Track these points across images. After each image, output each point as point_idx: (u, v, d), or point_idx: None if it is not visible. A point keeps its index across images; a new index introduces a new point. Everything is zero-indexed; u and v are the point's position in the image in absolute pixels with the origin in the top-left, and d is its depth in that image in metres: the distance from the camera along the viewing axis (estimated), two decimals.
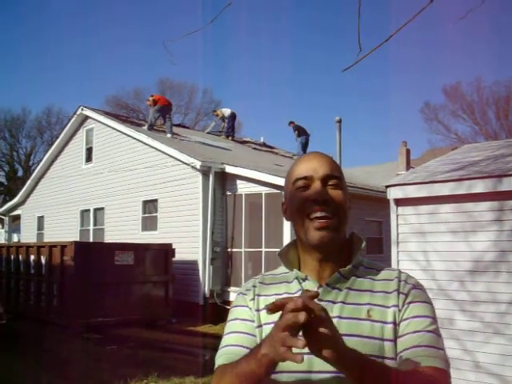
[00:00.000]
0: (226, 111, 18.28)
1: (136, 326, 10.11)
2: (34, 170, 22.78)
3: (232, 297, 11.48)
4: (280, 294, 1.26)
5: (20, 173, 41.58)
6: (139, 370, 6.88)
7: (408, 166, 19.41)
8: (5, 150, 41.59)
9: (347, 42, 56.97)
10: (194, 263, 11.96)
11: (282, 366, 1.17)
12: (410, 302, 1.20)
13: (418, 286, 1.25)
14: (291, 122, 18.25)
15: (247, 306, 1.28)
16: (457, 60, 54.91)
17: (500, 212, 5.22)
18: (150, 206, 13.72)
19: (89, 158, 16.30)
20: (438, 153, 17.80)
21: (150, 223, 13.59)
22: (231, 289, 11.81)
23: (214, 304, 11.61)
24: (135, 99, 39.94)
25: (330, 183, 1.23)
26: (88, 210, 16.05)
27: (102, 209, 15.38)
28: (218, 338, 1.30)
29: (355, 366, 1.01)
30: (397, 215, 5.97)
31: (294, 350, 0.95)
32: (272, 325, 1.23)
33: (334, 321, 1.17)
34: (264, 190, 11.53)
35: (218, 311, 11.12)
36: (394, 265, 5.83)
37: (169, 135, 14.86)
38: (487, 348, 5.15)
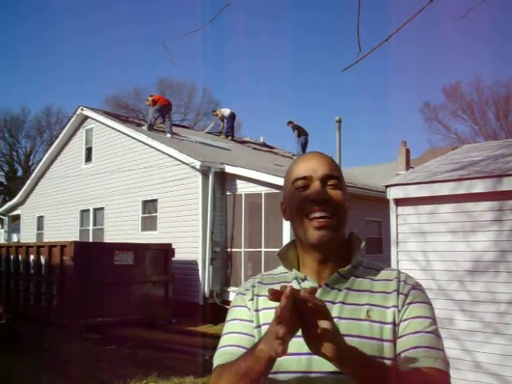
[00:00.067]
0: (226, 111, 18.27)
1: (136, 326, 10.11)
2: (33, 169, 22.79)
3: (232, 297, 11.47)
4: None
5: (20, 173, 41.58)
6: (139, 369, 6.88)
7: (408, 166, 19.42)
8: (4, 150, 41.63)
9: (347, 42, 57.01)
10: (194, 263, 11.96)
11: (281, 366, 1.17)
12: (410, 303, 1.20)
13: (417, 287, 1.24)
14: (290, 122, 18.27)
15: (246, 307, 1.28)
16: (457, 60, 54.96)
17: (500, 212, 5.22)
18: (149, 205, 13.72)
19: (88, 158, 16.30)
20: (438, 153, 17.80)
21: (149, 223, 13.59)
22: (231, 289, 11.81)
23: (214, 304, 11.61)
24: (135, 99, 39.98)
25: (329, 183, 1.23)
26: (88, 210, 16.04)
27: (102, 209, 15.37)
28: (217, 337, 1.30)
29: (355, 363, 1.01)
30: (396, 215, 5.97)
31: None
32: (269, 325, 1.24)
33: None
34: (264, 189, 11.53)
35: (218, 311, 11.11)
36: (393, 265, 5.83)
37: (168, 135, 14.86)
38: (487, 348, 5.15)
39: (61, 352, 8.31)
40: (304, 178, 1.24)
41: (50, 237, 16.96)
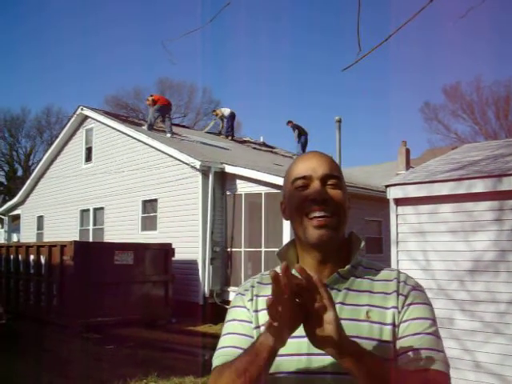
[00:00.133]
0: (226, 111, 18.27)
1: (136, 326, 10.11)
2: (33, 169, 22.78)
3: (232, 296, 11.47)
4: None
5: (20, 172, 41.58)
6: (139, 369, 6.88)
7: (408, 166, 19.40)
8: (4, 150, 41.64)
9: (347, 42, 57.02)
10: (194, 263, 11.96)
11: (281, 366, 1.17)
12: (410, 304, 1.19)
13: (417, 288, 1.24)
14: (289, 122, 18.27)
15: (245, 307, 1.27)
16: (457, 59, 54.95)
17: (500, 212, 5.22)
18: (149, 205, 13.71)
19: (88, 158, 16.30)
20: (438, 152, 17.79)
21: (149, 223, 13.59)
22: (231, 288, 11.81)
23: (214, 304, 11.61)
24: (135, 99, 39.97)
25: (329, 183, 1.23)
26: (87, 210, 16.04)
27: (102, 208, 15.37)
28: (217, 337, 1.30)
29: (356, 357, 1.00)
30: (396, 215, 5.97)
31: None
32: None
33: None
34: (264, 189, 11.53)
35: (218, 311, 11.11)
36: (393, 264, 5.83)
37: (168, 135, 14.86)
38: (487, 348, 5.15)
39: (61, 352, 8.31)
40: (304, 177, 1.23)
41: (49, 237, 16.96)
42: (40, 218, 18.65)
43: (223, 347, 1.23)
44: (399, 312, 1.18)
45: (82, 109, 16.18)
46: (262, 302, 1.25)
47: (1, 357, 7.64)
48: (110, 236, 14.49)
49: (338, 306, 1.19)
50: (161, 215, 13.18)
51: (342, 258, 1.26)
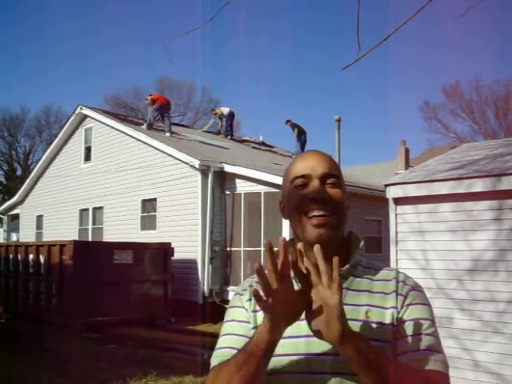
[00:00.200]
0: (225, 110, 18.26)
1: (135, 325, 10.11)
2: (32, 169, 22.76)
3: (231, 296, 11.45)
4: None
5: (19, 172, 41.56)
6: (138, 369, 6.88)
7: (407, 165, 19.41)
8: (4, 149, 41.62)
9: (346, 41, 56.98)
10: (193, 262, 11.96)
11: (280, 366, 1.17)
12: (409, 304, 1.19)
13: (416, 288, 1.23)
14: (288, 121, 18.26)
15: (243, 307, 1.27)
16: (456, 59, 54.95)
17: (499, 211, 5.22)
18: (148, 205, 13.71)
19: (88, 157, 16.29)
20: (437, 152, 17.80)
21: (148, 222, 13.59)
22: (230, 288, 11.81)
23: (213, 303, 11.61)
24: (134, 98, 39.94)
25: (328, 182, 1.22)
26: (87, 209, 16.04)
27: (101, 208, 15.37)
28: (216, 336, 1.29)
29: (356, 347, 1.00)
30: (396, 214, 5.97)
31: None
32: None
33: None
34: (263, 189, 11.53)
35: (217, 310, 11.11)
36: (393, 264, 5.83)
37: (168, 134, 14.86)
38: (486, 347, 5.16)
39: (60, 351, 8.31)
40: (303, 176, 1.23)
41: (49, 236, 16.95)
42: (39, 218, 18.64)
43: (221, 348, 1.23)
44: (398, 312, 1.18)
45: (81, 108, 16.17)
46: None
47: (0, 356, 7.64)
48: (110, 235, 14.49)
49: None
50: (160, 214, 13.18)
51: (341, 258, 1.25)
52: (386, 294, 1.21)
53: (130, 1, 63.99)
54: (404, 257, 5.85)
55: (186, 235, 12.18)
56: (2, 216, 21.95)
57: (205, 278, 11.70)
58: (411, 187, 5.85)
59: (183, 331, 10.27)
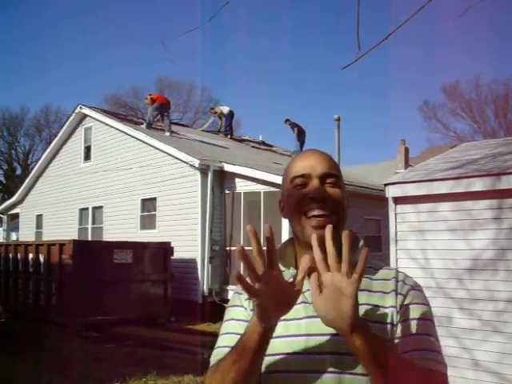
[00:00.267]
0: (224, 109, 18.26)
1: (135, 325, 10.11)
2: (32, 168, 22.74)
3: (231, 295, 11.47)
4: None
5: (18, 171, 41.53)
6: (138, 368, 6.88)
7: (407, 165, 19.40)
8: (3, 149, 41.58)
9: (346, 41, 56.92)
10: (193, 261, 11.96)
11: (279, 365, 1.17)
12: (409, 304, 1.18)
13: (416, 287, 1.23)
14: (287, 120, 18.25)
15: (243, 306, 1.27)
16: (456, 58, 54.95)
17: (499, 210, 5.22)
18: (148, 204, 13.71)
19: (87, 157, 16.28)
20: (437, 151, 17.81)
21: (148, 222, 13.59)
22: (230, 287, 11.81)
23: (213, 302, 11.61)
24: (134, 98, 39.93)
25: (327, 181, 1.22)
26: (87, 209, 16.03)
27: (101, 207, 15.36)
28: (216, 336, 1.30)
29: (364, 334, 0.99)
30: (395, 213, 5.98)
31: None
32: None
33: None
34: (262, 188, 11.53)
35: (217, 309, 11.11)
36: (392, 263, 5.84)
37: (167, 133, 14.86)
38: (486, 346, 5.16)
39: (60, 351, 8.31)
40: (302, 175, 1.23)
41: (48, 235, 16.95)
42: (39, 217, 18.64)
43: (220, 347, 1.23)
44: (398, 311, 1.17)
45: (80, 107, 16.16)
46: None
47: (0, 356, 7.64)
48: (109, 235, 14.49)
49: None
50: (160, 214, 13.18)
51: (340, 257, 1.25)
52: (385, 293, 1.20)
53: (130, 1, 63.98)
54: (404, 256, 5.86)
55: (185, 234, 12.18)
56: (1, 215, 21.94)
57: (204, 277, 11.71)
58: (411, 186, 5.85)
59: (183, 330, 10.28)
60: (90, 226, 15.85)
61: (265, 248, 1.02)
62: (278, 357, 1.18)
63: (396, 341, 1.15)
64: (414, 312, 1.18)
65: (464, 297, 5.38)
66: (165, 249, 11.18)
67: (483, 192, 5.29)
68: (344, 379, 1.12)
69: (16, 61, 62.88)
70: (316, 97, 65.71)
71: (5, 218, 21.62)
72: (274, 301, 1.00)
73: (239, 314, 1.26)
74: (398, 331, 1.16)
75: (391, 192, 6.00)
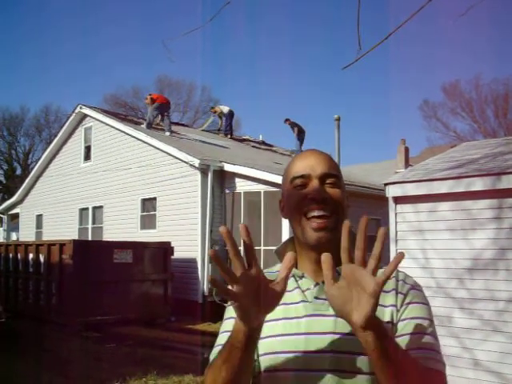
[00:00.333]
0: (224, 108, 18.25)
1: (135, 325, 10.11)
2: (32, 168, 22.74)
3: None
4: None
5: (18, 171, 41.53)
6: (138, 368, 6.88)
7: (407, 164, 19.40)
8: (3, 149, 41.57)
9: (346, 40, 56.92)
10: (193, 261, 11.96)
11: (278, 364, 1.17)
12: (409, 303, 1.18)
13: (416, 287, 1.23)
14: (287, 120, 18.25)
15: None
16: (456, 58, 54.94)
17: (499, 210, 5.22)
18: (148, 204, 13.71)
19: (87, 157, 16.28)
20: (437, 151, 17.81)
21: (148, 221, 13.59)
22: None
23: (213, 302, 11.60)
24: (134, 97, 39.91)
25: (327, 181, 1.22)
26: (87, 209, 16.03)
27: (101, 207, 15.37)
28: (216, 335, 1.30)
29: (377, 333, 0.98)
30: (395, 213, 5.97)
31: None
32: (266, 323, 1.23)
33: (331, 319, 1.16)
34: (263, 188, 11.53)
35: (217, 309, 11.09)
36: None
37: (167, 133, 14.86)
38: (486, 346, 5.16)
39: (60, 351, 8.31)
40: (302, 176, 1.23)
41: (49, 235, 16.95)
42: (39, 217, 18.64)
43: (219, 345, 1.23)
44: (398, 310, 1.17)
45: (80, 107, 16.17)
46: None
47: (0, 356, 7.64)
48: (109, 234, 14.49)
49: None
50: (160, 214, 13.18)
51: (340, 257, 1.25)
52: (385, 292, 1.20)
53: (130, 1, 63.97)
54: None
55: (185, 234, 12.18)
56: (1, 215, 21.94)
57: (204, 277, 11.71)
58: (411, 186, 5.85)
59: (183, 330, 10.28)
60: (90, 225, 15.86)
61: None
62: (278, 355, 1.18)
63: (396, 339, 1.15)
64: (414, 311, 1.18)
65: (464, 296, 5.38)
66: (165, 249, 11.18)
67: (483, 192, 5.28)
68: (344, 378, 1.12)
69: (16, 61, 62.93)
70: (316, 96, 65.74)
71: (5, 217, 21.63)
72: (254, 302, 0.99)
73: None
74: (398, 330, 1.16)
75: (391, 191, 6.00)
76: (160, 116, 15.50)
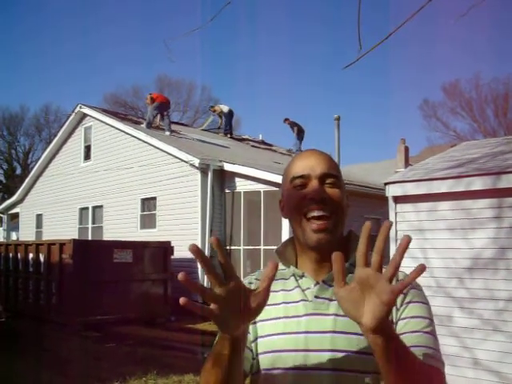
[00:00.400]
0: (224, 108, 18.26)
1: (135, 324, 10.11)
2: (32, 168, 22.75)
3: None
4: (276, 291, 1.25)
5: (18, 171, 41.52)
6: (138, 367, 6.88)
7: (406, 164, 19.39)
8: (3, 148, 41.57)
9: (347, 40, 56.88)
10: (193, 261, 11.93)
11: (277, 362, 1.18)
12: (409, 302, 1.18)
13: (416, 286, 1.23)
14: (286, 119, 18.26)
15: None
16: (456, 57, 54.92)
17: (499, 209, 5.22)
18: (148, 203, 13.71)
19: (87, 156, 16.29)
20: (437, 150, 17.80)
21: (148, 221, 13.59)
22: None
23: None
24: (134, 97, 39.92)
25: (327, 182, 1.22)
26: (87, 208, 16.04)
27: (101, 207, 15.37)
28: (216, 335, 1.29)
29: (387, 336, 0.96)
30: (395, 212, 5.98)
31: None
32: (266, 322, 1.23)
33: (331, 318, 1.17)
34: (263, 187, 11.53)
35: None
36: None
37: (167, 133, 14.86)
38: (486, 345, 5.16)
39: (60, 350, 8.30)
40: (302, 176, 1.23)
41: (49, 235, 16.95)
42: (39, 217, 18.64)
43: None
44: (397, 310, 1.18)
45: (80, 107, 16.17)
46: None
47: (0, 355, 7.64)
48: (109, 234, 14.49)
49: (336, 303, 1.19)
50: (160, 213, 13.18)
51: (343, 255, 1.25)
52: None
53: (130, 1, 63.95)
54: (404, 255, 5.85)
55: (185, 234, 12.18)
56: (1, 215, 21.94)
57: (205, 276, 11.70)
58: (411, 185, 5.85)
59: (183, 330, 10.27)
60: (90, 225, 15.86)
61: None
62: (277, 354, 1.18)
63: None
64: (414, 310, 1.18)
65: (464, 296, 5.38)
66: (165, 248, 11.18)
67: (483, 191, 5.28)
68: (342, 376, 1.12)
69: (16, 60, 62.92)
70: (316, 96, 65.74)
71: (5, 217, 21.62)
72: (233, 314, 0.97)
73: None
74: (398, 329, 1.16)
75: (391, 191, 6.00)
76: (160, 115, 15.50)
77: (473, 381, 5.22)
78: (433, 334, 1.16)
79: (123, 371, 6.67)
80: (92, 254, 10.08)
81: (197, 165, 11.78)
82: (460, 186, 5.43)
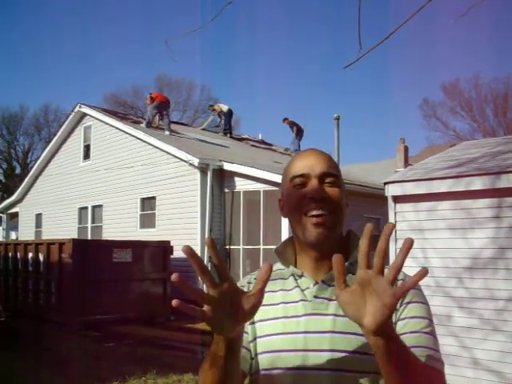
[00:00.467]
0: (224, 107, 18.25)
1: (134, 324, 10.11)
2: (31, 167, 22.76)
3: None
4: (275, 291, 1.25)
5: (18, 170, 41.52)
6: (138, 367, 6.88)
7: (406, 163, 19.40)
8: (2, 148, 41.59)
9: (347, 40, 56.92)
10: None
11: (276, 362, 1.18)
12: (408, 302, 1.18)
13: (416, 287, 1.23)
14: (285, 119, 18.25)
15: None
16: (456, 57, 54.94)
17: (498, 209, 5.22)
18: (148, 203, 13.71)
19: (87, 156, 16.28)
20: (437, 150, 17.81)
21: (148, 220, 13.59)
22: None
23: None
24: (133, 97, 39.94)
25: (326, 181, 1.22)
26: (86, 208, 16.03)
27: (100, 206, 15.36)
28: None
29: (388, 337, 0.95)
30: (395, 212, 5.98)
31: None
32: (265, 322, 1.23)
33: (330, 318, 1.16)
34: (262, 187, 11.52)
35: None
36: (392, 262, 5.83)
37: (167, 132, 14.85)
38: (485, 345, 5.16)
39: (59, 349, 8.30)
40: (301, 175, 1.23)
41: (48, 234, 16.95)
42: (38, 216, 18.63)
43: None
44: (397, 310, 1.17)
45: (80, 106, 16.16)
46: None
47: None
48: (109, 234, 14.49)
49: (335, 303, 1.19)
50: (159, 213, 13.18)
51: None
52: None
53: (130, 1, 63.93)
54: None
55: (185, 233, 12.18)
56: (1, 214, 21.94)
57: None
58: (410, 185, 5.85)
59: (182, 329, 10.27)
60: (89, 224, 15.85)
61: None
62: (276, 354, 1.18)
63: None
64: (414, 310, 1.18)
65: (464, 295, 5.38)
66: (164, 248, 11.17)
67: (483, 191, 5.28)
68: (342, 376, 1.12)
69: (16, 60, 62.90)
70: (316, 95, 65.73)
71: (4, 217, 21.62)
72: (226, 316, 0.97)
73: None
74: (397, 329, 1.15)
75: (391, 191, 6.00)
76: (159, 115, 15.49)
77: (472, 380, 5.22)
78: (432, 334, 1.16)
79: (123, 370, 6.67)
80: (91, 253, 10.07)
81: (196, 164, 11.78)
82: (460, 185, 5.43)
